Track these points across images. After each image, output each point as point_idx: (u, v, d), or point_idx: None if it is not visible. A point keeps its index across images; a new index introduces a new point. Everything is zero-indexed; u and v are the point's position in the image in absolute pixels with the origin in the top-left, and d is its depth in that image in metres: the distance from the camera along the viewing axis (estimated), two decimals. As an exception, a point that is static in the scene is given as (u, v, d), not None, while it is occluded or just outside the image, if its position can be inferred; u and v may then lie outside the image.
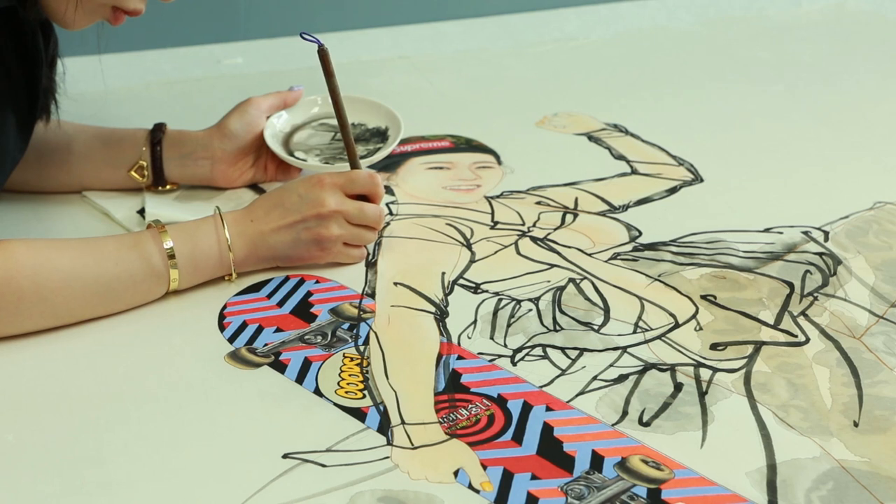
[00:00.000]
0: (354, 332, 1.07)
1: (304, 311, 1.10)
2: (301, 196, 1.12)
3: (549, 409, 0.96)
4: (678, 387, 0.99)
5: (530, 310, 1.11)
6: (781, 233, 1.25)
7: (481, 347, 1.05)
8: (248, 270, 1.14)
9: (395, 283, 1.15)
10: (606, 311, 1.11)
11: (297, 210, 1.12)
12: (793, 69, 1.76)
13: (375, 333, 1.07)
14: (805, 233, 1.25)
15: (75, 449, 0.91)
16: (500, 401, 0.97)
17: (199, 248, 1.09)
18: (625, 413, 0.96)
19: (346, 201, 1.14)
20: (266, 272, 1.15)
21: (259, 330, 1.07)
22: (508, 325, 1.08)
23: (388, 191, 1.35)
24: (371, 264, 1.18)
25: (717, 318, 1.10)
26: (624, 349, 1.05)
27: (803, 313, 1.10)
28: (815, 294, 1.14)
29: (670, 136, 1.50)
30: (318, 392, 0.98)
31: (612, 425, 0.94)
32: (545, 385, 0.99)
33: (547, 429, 0.93)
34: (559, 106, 1.60)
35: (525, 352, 1.04)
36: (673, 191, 1.36)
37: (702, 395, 0.98)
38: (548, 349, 1.05)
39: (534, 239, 1.24)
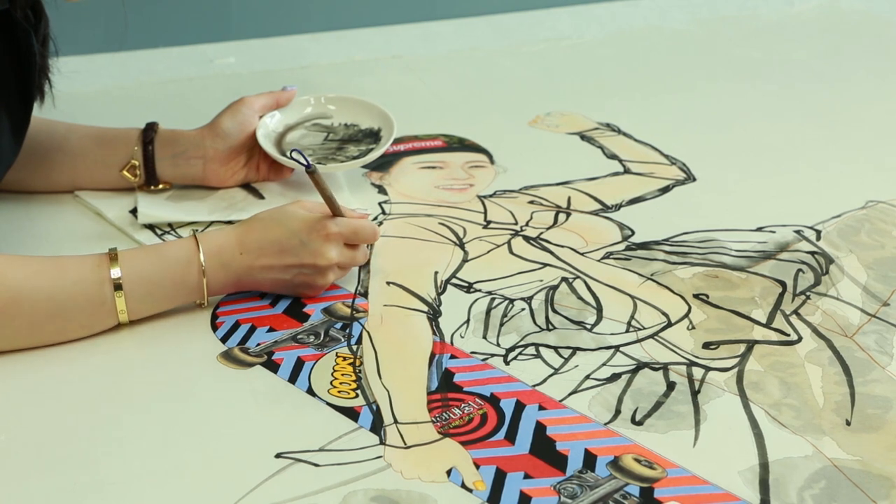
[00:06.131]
0: (347, 331, 1.07)
1: (296, 311, 1.10)
2: (303, 242, 1.07)
3: (541, 408, 0.96)
4: (671, 386, 0.99)
5: (523, 309, 1.11)
6: (774, 232, 1.25)
7: (474, 347, 1.05)
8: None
9: (388, 283, 1.15)
10: (599, 310, 1.11)
11: (295, 255, 1.08)
12: (785, 68, 1.76)
13: (368, 333, 1.07)
14: (797, 232, 1.25)
15: (67, 449, 0.91)
16: (493, 400, 0.97)
17: (168, 274, 1.04)
18: (617, 412, 0.96)
19: (344, 252, 1.11)
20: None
21: (252, 329, 1.07)
22: (501, 325, 1.08)
23: (381, 190, 1.35)
24: (364, 264, 1.18)
25: (709, 317, 1.10)
26: (617, 348, 1.05)
27: (796, 312, 1.11)
28: (808, 293, 1.14)
29: (663, 136, 1.50)
30: (310, 391, 0.98)
31: (605, 424, 0.94)
32: (538, 384, 0.99)
33: (540, 428, 0.93)
34: (552, 105, 1.60)
35: (518, 351, 1.04)
36: (665, 190, 1.36)
37: (694, 393, 0.99)
38: (540, 348, 1.05)
39: (526, 238, 1.24)
